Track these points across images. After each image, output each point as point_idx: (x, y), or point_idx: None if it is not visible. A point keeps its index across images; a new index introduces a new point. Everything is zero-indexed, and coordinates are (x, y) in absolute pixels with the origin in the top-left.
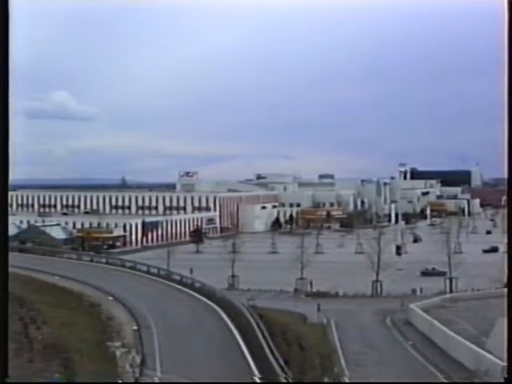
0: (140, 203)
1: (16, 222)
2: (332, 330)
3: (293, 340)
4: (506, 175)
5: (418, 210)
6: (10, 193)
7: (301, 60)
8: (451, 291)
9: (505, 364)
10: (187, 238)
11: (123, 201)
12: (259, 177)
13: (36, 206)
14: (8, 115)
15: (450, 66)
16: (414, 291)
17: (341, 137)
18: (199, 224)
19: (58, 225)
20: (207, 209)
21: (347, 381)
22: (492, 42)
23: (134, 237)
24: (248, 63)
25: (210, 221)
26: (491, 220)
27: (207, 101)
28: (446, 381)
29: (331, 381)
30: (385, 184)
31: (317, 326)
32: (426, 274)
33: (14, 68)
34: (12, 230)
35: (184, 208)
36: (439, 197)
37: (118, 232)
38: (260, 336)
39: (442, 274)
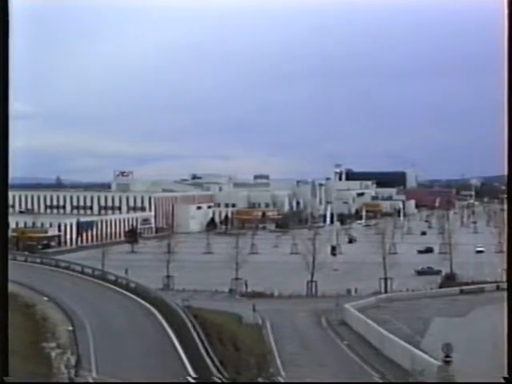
0: (75, 203)
1: None
2: (267, 330)
3: (228, 340)
4: (506, 173)
5: (354, 210)
6: None
7: (240, 60)
8: (386, 291)
9: (440, 364)
10: (122, 238)
11: (58, 200)
12: (194, 177)
13: None
14: (8, 116)
15: (390, 69)
16: (348, 291)
17: (277, 137)
18: (134, 224)
19: None
20: (142, 209)
21: (282, 381)
22: (436, 44)
23: (68, 237)
24: (185, 63)
25: (145, 221)
26: (426, 221)
27: (143, 100)
28: (381, 381)
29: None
30: (320, 185)
31: (252, 327)
32: (421, 273)
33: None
34: None
35: (119, 208)
36: (374, 198)
37: (53, 232)
38: (195, 336)
39: (438, 272)
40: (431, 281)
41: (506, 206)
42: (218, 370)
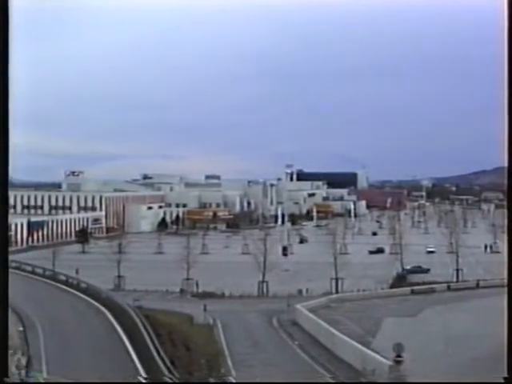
0: (25, 202)
1: None
2: (218, 330)
3: (179, 341)
4: (506, 173)
5: (305, 211)
6: None
7: (191, 61)
8: (337, 292)
9: (391, 363)
10: (73, 237)
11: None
12: (146, 177)
13: None
14: (8, 116)
15: (339, 69)
16: (300, 292)
17: (228, 137)
18: (85, 224)
19: None
20: (93, 209)
21: (233, 381)
22: (387, 45)
23: (19, 236)
24: (139, 65)
25: (96, 221)
26: (377, 221)
27: (95, 100)
28: (332, 381)
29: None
30: (271, 185)
31: (203, 327)
32: (411, 271)
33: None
34: None
35: (70, 208)
36: (325, 198)
37: None
38: (146, 337)
39: (426, 271)
40: (380, 280)
41: (506, 206)
42: (168, 370)
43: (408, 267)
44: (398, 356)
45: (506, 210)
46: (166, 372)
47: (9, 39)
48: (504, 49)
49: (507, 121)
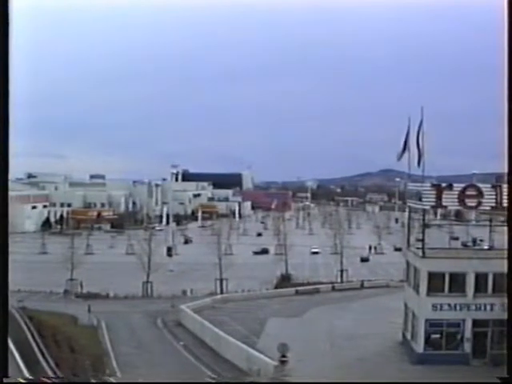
0: None
1: None
2: (103, 331)
3: (64, 342)
4: (506, 172)
5: (190, 211)
6: None
7: (76, 59)
8: (222, 292)
9: (276, 363)
10: None
11: None
12: (30, 176)
13: None
14: (8, 116)
15: (227, 70)
16: (184, 292)
17: (112, 137)
18: None
19: None
20: None
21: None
22: (272, 49)
23: None
24: (23, 60)
25: None
26: (262, 222)
27: None
28: (213, 382)
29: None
30: (156, 185)
31: (88, 328)
32: (364, 260)
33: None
34: None
35: None
36: (211, 199)
37: None
38: (30, 338)
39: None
40: (265, 281)
41: (506, 206)
42: (53, 371)
43: (363, 256)
44: (283, 356)
45: (506, 212)
46: (50, 373)
47: (9, 40)
48: (504, 48)
49: (507, 123)
